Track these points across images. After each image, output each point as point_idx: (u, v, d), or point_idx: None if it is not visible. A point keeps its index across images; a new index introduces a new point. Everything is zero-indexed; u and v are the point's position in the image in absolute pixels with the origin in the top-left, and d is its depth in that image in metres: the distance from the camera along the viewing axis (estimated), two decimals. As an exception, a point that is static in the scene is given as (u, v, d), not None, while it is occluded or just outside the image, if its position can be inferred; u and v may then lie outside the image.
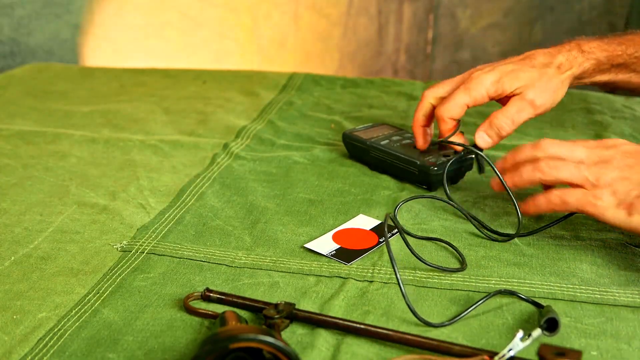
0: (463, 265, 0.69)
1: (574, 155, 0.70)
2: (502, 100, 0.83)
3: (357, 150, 0.94)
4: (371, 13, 2.41)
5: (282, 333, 0.58)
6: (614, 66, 0.88)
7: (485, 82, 0.81)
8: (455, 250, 0.72)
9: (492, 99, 0.82)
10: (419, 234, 0.75)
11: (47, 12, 2.06)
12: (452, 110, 0.81)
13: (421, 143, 0.87)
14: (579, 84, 0.88)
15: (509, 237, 0.74)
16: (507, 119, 0.80)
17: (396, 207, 0.76)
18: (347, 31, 2.41)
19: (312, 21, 2.37)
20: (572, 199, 0.69)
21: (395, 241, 0.74)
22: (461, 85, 0.82)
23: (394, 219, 0.70)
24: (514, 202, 0.74)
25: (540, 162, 0.71)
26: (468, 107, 0.82)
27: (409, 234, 0.74)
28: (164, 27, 2.26)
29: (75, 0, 2.12)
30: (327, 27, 2.39)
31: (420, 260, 0.69)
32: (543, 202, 0.71)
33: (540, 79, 0.81)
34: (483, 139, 0.81)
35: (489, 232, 0.75)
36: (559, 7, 2.37)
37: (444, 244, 0.73)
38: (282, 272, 0.68)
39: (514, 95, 0.81)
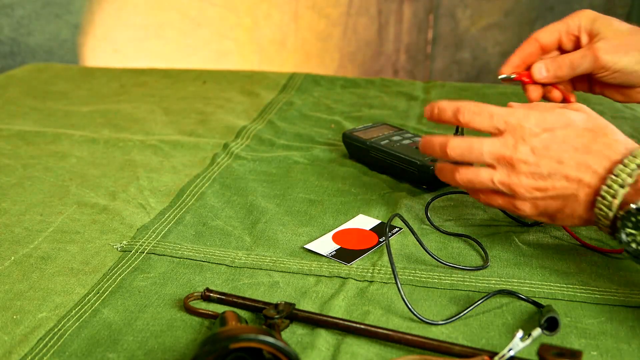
0: (486, 262, 0.69)
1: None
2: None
3: (357, 150, 0.94)
4: (371, 13, 2.41)
5: (282, 333, 0.58)
6: None
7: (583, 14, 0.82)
8: (481, 247, 0.72)
9: (576, 38, 0.82)
10: (419, 233, 0.75)
11: (47, 12, 2.06)
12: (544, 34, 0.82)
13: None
14: None
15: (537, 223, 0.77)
16: (568, 59, 0.79)
17: (427, 204, 0.79)
18: (347, 31, 2.41)
19: (312, 21, 2.37)
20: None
21: (396, 240, 0.74)
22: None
23: (402, 218, 0.70)
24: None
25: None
26: (560, 35, 0.82)
27: (440, 229, 0.76)
28: (164, 27, 2.26)
29: (75, 0, 2.13)
30: (327, 27, 2.39)
31: (438, 260, 0.69)
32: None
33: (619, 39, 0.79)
34: (540, 70, 0.81)
35: (516, 218, 0.78)
36: (559, 7, 2.37)
37: (468, 241, 0.74)
38: (282, 272, 0.68)
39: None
